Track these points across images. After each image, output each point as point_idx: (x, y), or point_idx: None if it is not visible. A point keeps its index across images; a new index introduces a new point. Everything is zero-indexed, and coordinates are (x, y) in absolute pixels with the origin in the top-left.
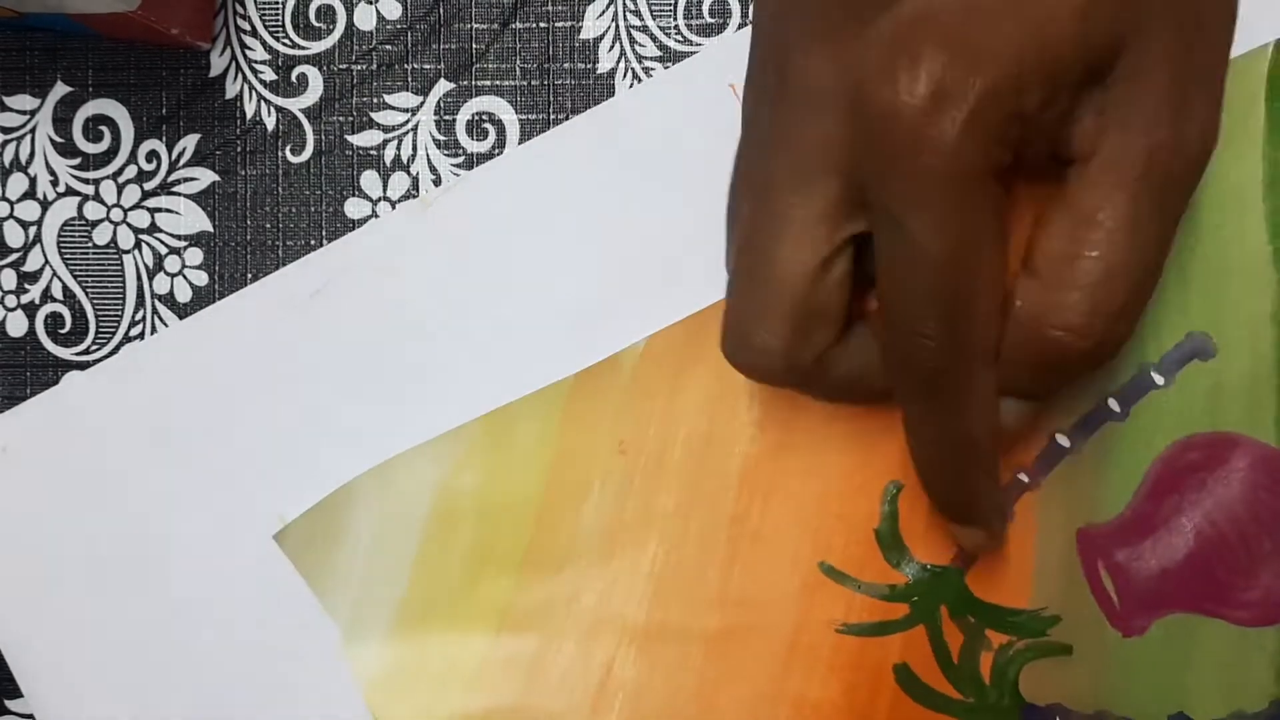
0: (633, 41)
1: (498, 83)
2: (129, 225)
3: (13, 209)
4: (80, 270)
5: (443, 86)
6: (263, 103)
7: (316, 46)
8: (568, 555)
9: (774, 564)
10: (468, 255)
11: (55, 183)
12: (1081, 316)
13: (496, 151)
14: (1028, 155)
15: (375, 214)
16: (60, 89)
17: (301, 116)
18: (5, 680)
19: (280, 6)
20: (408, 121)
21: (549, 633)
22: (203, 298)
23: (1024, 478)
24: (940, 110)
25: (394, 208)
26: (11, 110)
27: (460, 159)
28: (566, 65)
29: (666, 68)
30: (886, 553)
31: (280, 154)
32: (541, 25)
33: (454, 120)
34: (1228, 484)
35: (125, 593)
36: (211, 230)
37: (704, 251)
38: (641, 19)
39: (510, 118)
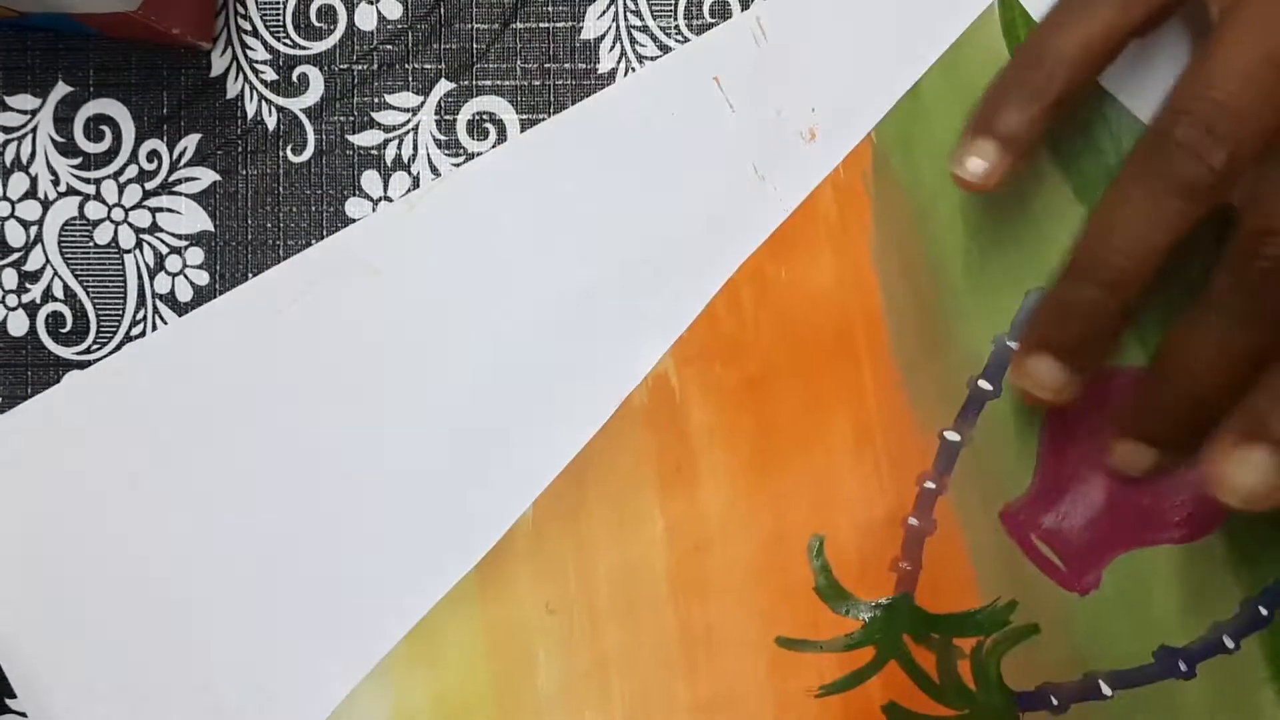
0: (633, 41)
1: (498, 83)
2: (130, 225)
3: (14, 208)
4: (81, 270)
5: (443, 86)
6: (264, 102)
7: (317, 46)
8: None
9: (734, 655)
10: (453, 255)
11: (56, 182)
12: None
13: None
14: None
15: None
16: (61, 89)
17: (302, 116)
18: (5, 680)
19: (281, 6)
20: (408, 121)
21: None
22: (204, 297)
23: (931, 485)
24: None
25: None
26: (12, 110)
27: (461, 159)
28: (567, 65)
29: None
30: (834, 605)
31: (281, 154)
32: (542, 25)
33: (455, 120)
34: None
35: (123, 594)
36: (212, 230)
37: (690, 249)
38: (642, 19)
39: (511, 117)
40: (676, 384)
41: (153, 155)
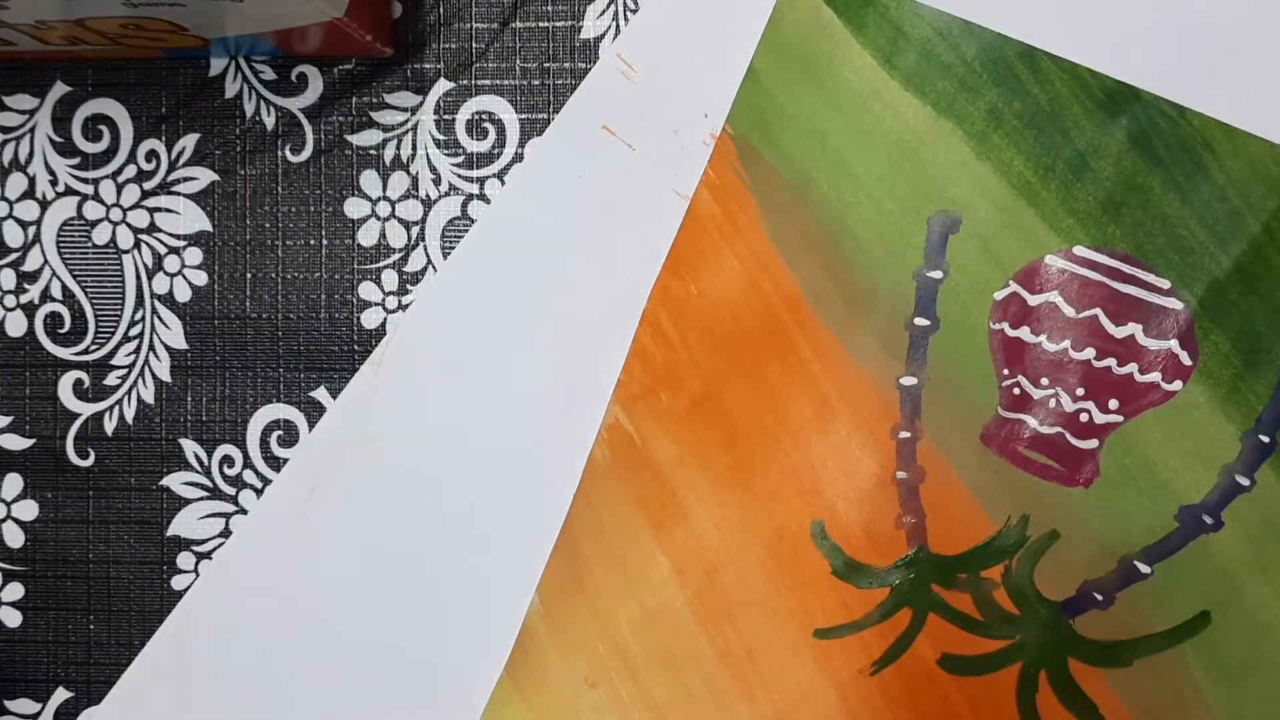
0: None
1: (498, 82)
2: (128, 225)
3: (12, 208)
4: (79, 270)
5: (443, 86)
6: (262, 102)
7: None
8: None
9: (782, 664)
10: (429, 396)
11: (54, 182)
12: None
13: (496, 151)
14: None
15: (375, 214)
16: (59, 88)
17: (301, 116)
18: (5, 681)
19: None
20: (407, 121)
21: None
22: (202, 297)
23: (906, 434)
24: None
25: (393, 208)
26: (11, 110)
27: (460, 158)
28: (566, 65)
29: None
30: (856, 581)
31: (280, 153)
32: (541, 25)
33: (454, 119)
34: (1059, 304)
35: None
36: (211, 230)
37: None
38: None
39: (510, 117)
40: (631, 427)
41: (151, 155)
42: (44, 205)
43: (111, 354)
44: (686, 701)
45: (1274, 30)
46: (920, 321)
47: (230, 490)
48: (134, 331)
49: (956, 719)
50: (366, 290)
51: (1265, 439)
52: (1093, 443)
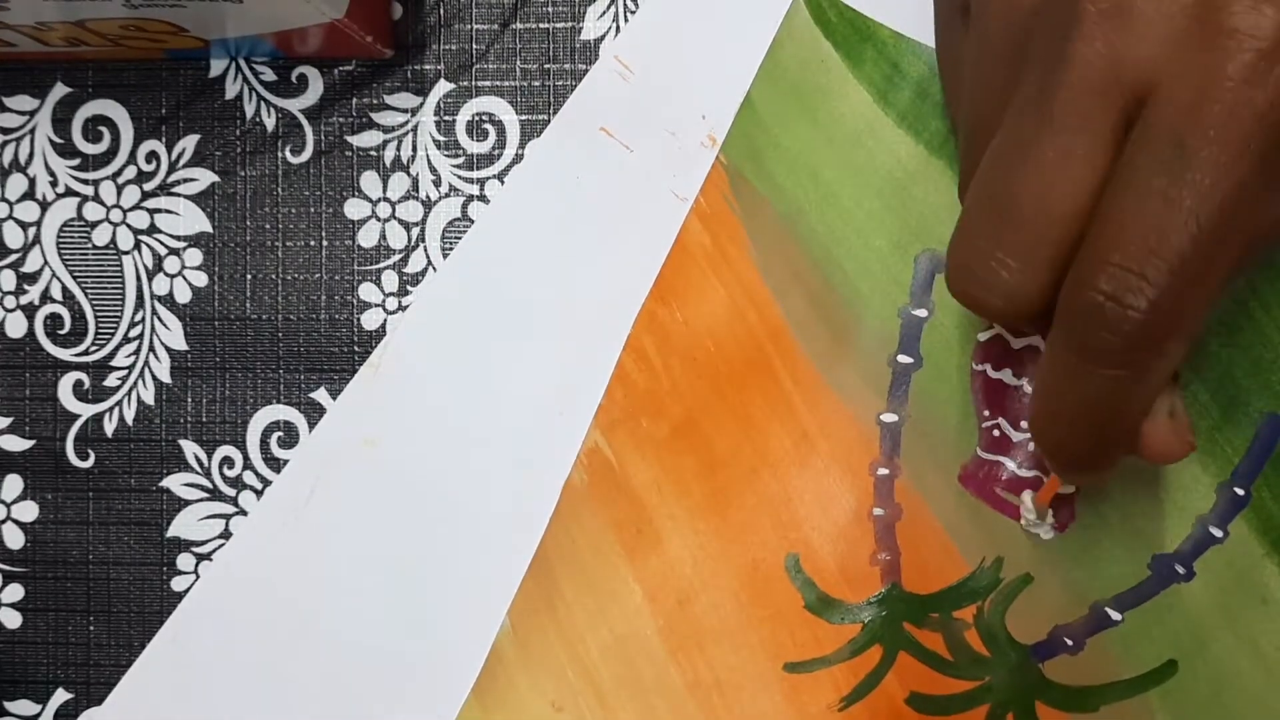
0: None
1: (498, 83)
2: (128, 226)
3: (12, 210)
4: (79, 271)
5: (443, 87)
6: (262, 103)
7: None
8: None
9: (750, 696)
10: (427, 395)
11: (54, 183)
12: None
13: (497, 152)
14: None
15: (375, 215)
16: (60, 89)
17: (301, 117)
18: (4, 682)
19: None
20: (408, 122)
21: None
22: (202, 299)
23: (884, 471)
24: None
25: (394, 209)
26: (11, 111)
27: (460, 159)
28: (567, 65)
29: None
30: (828, 616)
31: (280, 154)
32: (542, 25)
33: (454, 121)
34: (1041, 348)
35: None
36: (211, 231)
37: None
38: None
39: (510, 118)
40: (610, 453)
41: (151, 156)
42: (44, 206)
43: (111, 355)
44: None
45: None
46: (903, 359)
47: (230, 491)
48: (134, 333)
49: None
50: (367, 291)
51: (1240, 491)
52: (1069, 488)
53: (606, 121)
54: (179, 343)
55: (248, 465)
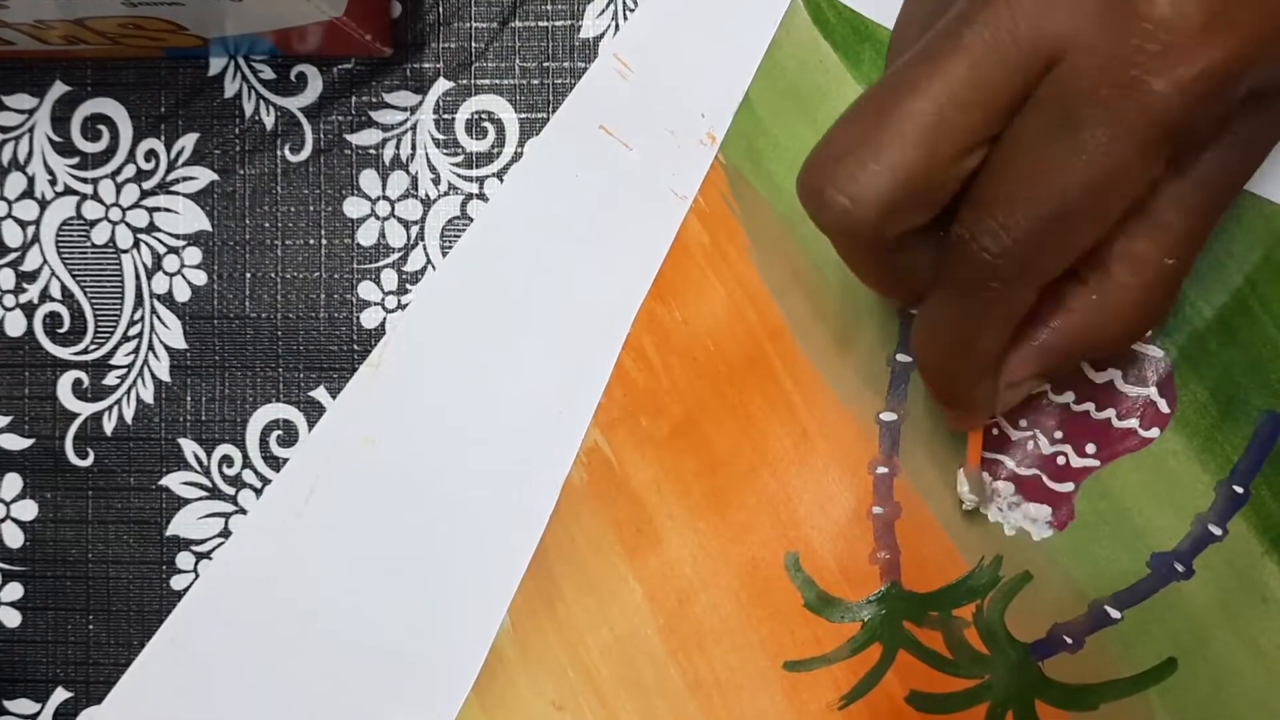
0: None
1: (497, 81)
2: (127, 224)
3: (11, 208)
4: (79, 270)
5: (442, 85)
6: (261, 101)
7: None
8: None
9: (750, 695)
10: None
11: (54, 182)
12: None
13: (496, 150)
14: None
15: (374, 214)
16: (59, 88)
17: (300, 115)
18: (4, 681)
19: None
20: (407, 120)
21: None
22: (201, 297)
23: (883, 470)
24: (1204, 40)
25: (393, 207)
26: (10, 109)
27: (460, 158)
28: (566, 64)
29: None
30: (828, 615)
31: (279, 153)
32: (541, 24)
33: (453, 119)
34: None
35: None
36: (210, 229)
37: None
38: None
39: (510, 116)
40: (610, 451)
41: (150, 155)
42: (43, 205)
43: (111, 354)
44: None
45: None
46: (902, 358)
47: (230, 490)
48: (133, 331)
49: None
50: (366, 290)
51: (1239, 489)
52: (1069, 486)
53: (606, 120)
54: (178, 341)
55: (247, 464)
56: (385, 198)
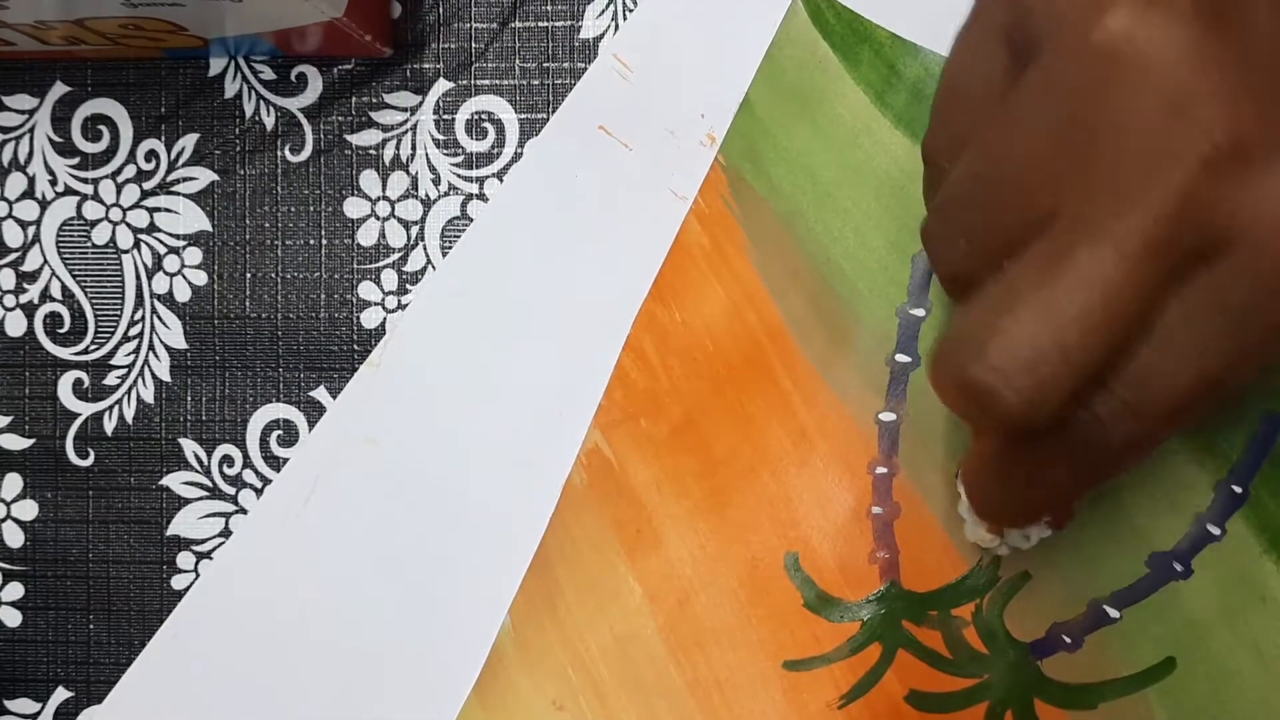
0: None
1: (497, 82)
2: (128, 225)
3: (11, 208)
4: (79, 270)
5: (442, 85)
6: (262, 102)
7: None
8: None
9: (750, 694)
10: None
11: (54, 182)
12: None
13: (496, 150)
14: None
15: (374, 214)
16: (59, 88)
17: (300, 116)
18: (5, 680)
19: None
20: (407, 121)
21: None
22: (202, 297)
23: (882, 470)
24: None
25: (393, 208)
26: (10, 110)
27: (460, 158)
28: (566, 64)
29: None
30: (827, 614)
31: (279, 153)
32: (541, 24)
33: (453, 119)
34: None
35: None
36: (210, 230)
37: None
38: None
39: (510, 117)
40: (610, 453)
41: (151, 155)
42: (43, 205)
43: (111, 354)
44: None
45: None
46: (901, 358)
47: (230, 490)
48: (134, 331)
49: None
50: (366, 290)
51: (1238, 489)
52: None
53: (605, 120)
54: (179, 341)
55: (248, 464)
56: (385, 198)
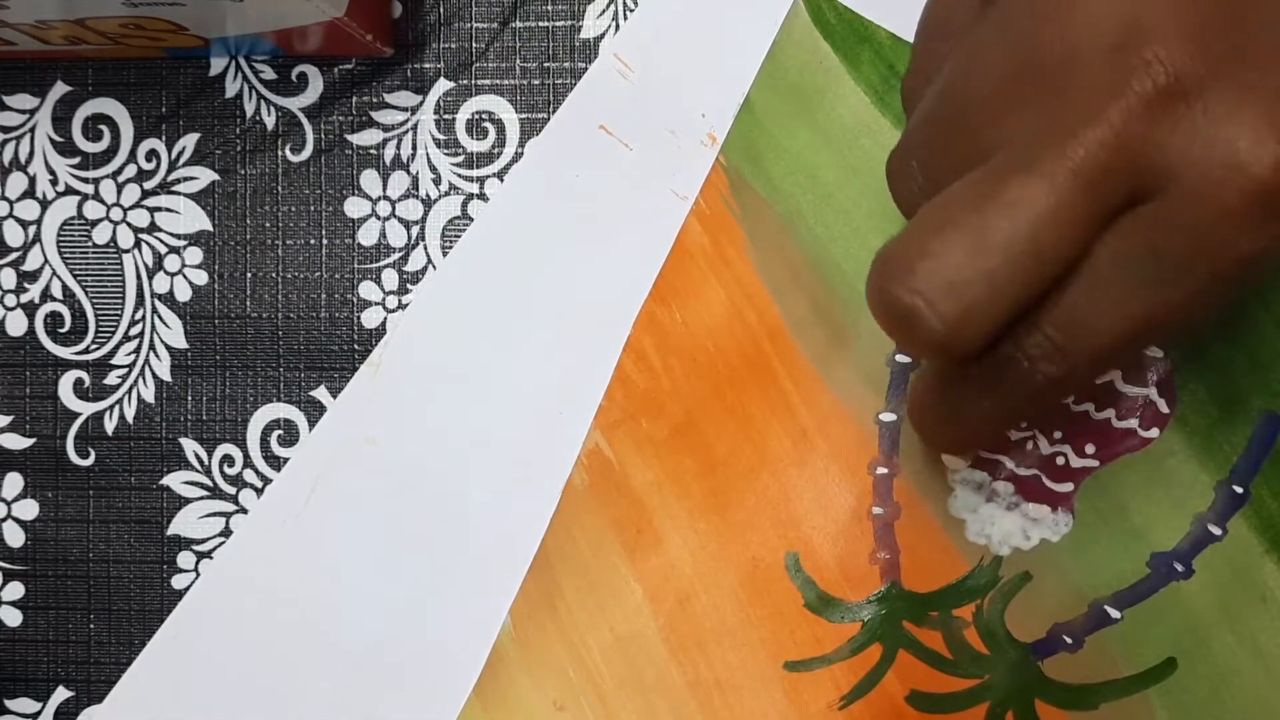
0: None
1: (498, 82)
2: (128, 224)
3: (12, 208)
4: (80, 269)
5: (443, 85)
6: (262, 101)
7: None
8: None
9: (751, 695)
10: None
11: (55, 182)
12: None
13: (496, 150)
14: None
15: (375, 214)
16: (60, 88)
17: (301, 115)
18: (5, 680)
19: None
20: (407, 120)
21: None
22: (202, 297)
23: (883, 470)
24: None
25: (393, 207)
26: (11, 109)
27: (460, 158)
28: (566, 64)
29: None
30: (828, 615)
31: (280, 153)
32: (541, 24)
33: (454, 119)
34: None
35: None
36: (211, 229)
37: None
38: None
39: (510, 117)
40: (610, 453)
41: (151, 155)
42: (44, 205)
43: (112, 353)
44: None
45: None
46: (901, 359)
47: (230, 490)
48: (134, 331)
49: None
50: (367, 290)
51: (1239, 489)
52: (1068, 486)
53: (606, 120)
54: (179, 341)
55: (248, 463)
56: (386, 198)
